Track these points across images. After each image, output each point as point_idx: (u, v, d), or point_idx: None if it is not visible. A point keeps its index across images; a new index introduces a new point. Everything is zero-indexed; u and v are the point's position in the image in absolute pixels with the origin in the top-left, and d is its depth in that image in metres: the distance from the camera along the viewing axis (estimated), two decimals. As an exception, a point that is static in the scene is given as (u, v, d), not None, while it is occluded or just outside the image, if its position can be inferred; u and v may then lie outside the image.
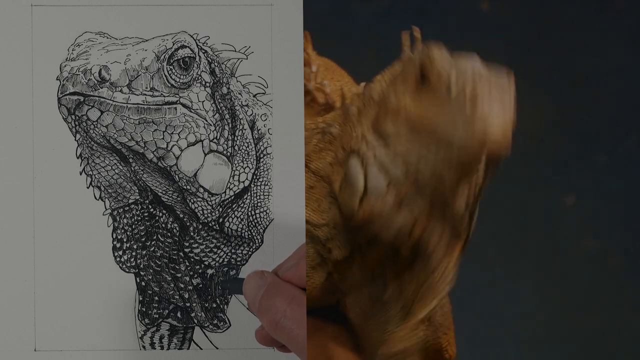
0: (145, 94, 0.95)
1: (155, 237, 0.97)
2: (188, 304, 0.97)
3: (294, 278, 0.88)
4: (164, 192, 0.96)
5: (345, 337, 0.99)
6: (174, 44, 0.95)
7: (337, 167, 0.92)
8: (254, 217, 0.97)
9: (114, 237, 0.96)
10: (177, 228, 0.97)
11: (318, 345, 0.99)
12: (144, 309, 0.97)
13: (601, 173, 1.91)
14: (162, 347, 0.97)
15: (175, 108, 0.95)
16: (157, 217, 0.97)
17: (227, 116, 0.97)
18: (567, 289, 1.84)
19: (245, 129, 0.97)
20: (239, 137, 0.97)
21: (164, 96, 0.95)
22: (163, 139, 0.95)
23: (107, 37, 0.95)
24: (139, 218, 0.97)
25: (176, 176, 0.96)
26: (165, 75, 0.95)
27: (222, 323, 0.97)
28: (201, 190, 0.96)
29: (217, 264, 0.97)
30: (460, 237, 0.89)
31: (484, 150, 0.80)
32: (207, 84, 0.96)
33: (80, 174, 0.95)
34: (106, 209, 0.96)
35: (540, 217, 1.89)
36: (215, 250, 0.97)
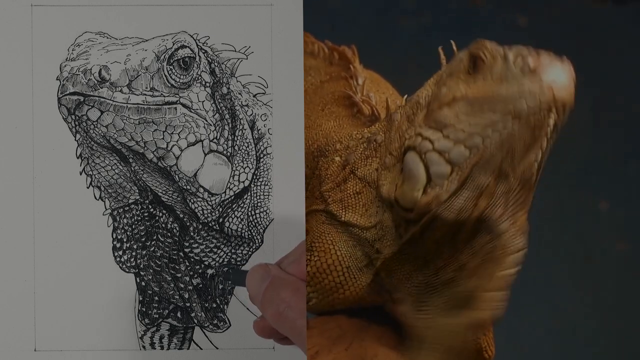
0: (145, 94, 0.95)
1: (155, 237, 0.97)
2: (188, 304, 0.97)
3: (297, 273, 0.89)
4: (164, 192, 0.96)
5: (389, 337, 1.00)
6: (174, 44, 0.95)
7: (384, 172, 0.94)
8: (254, 217, 0.97)
9: (114, 237, 0.96)
10: (177, 228, 0.97)
11: (363, 344, 0.99)
12: (144, 309, 0.97)
13: (634, 180, 1.93)
14: (162, 347, 0.97)
15: (175, 108, 0.95)
16: (157, 217, 0.97)
17: (227, 116, 0.97)
18: (600, 290, 1.86)
19: (245, 129, 0.97)
20: (239, 137, 0.97)
21: (164, 96, 0.95)
22: (163, 139, 0.95)
23: (107, 37, 0.96)
24: (139, 218, 0.97)
25: (176, 176, 0.96)
26: (165, 75, 0.95)
27: (222, 323, 0.96)
28: (201, 190, 0.96)
29: (217, 264, 0.97)
30: (526, 201, 0.91)
31: (553, 107, 0.84)
32: (207, 84, 0.96)
33: (80, 174, 0.95)
34: (106, 209, 0.96)
35: (574, 222, 1.91)
36: (215, 250, 0.97)
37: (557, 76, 0.83)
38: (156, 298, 0.97)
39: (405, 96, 1.03)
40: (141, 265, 0.96)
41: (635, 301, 1.86)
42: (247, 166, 0.97)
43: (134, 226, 0.96)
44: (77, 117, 0.94)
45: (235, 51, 0.97)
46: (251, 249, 0.97)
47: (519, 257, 0.93)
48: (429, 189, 0.89)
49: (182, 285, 0.97)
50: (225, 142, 0.96)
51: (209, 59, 0.97)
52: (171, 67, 0.95)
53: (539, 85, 0.83)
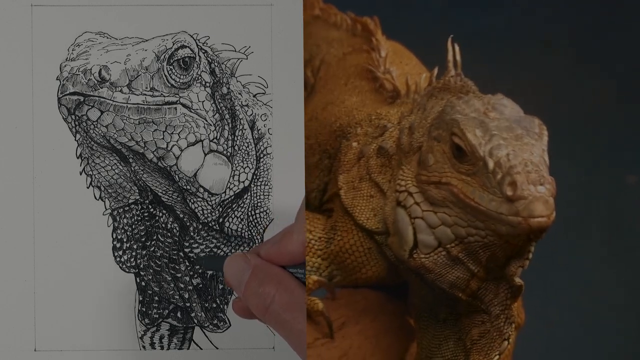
0: (145, 94, 0.94)
1: (155, 237, 0.97)
2: (188, 304, 0.97)
3: (276, 257, 0.87)
4: (164, 192, 0.96)
5: None
6: (174, 44, 0.95)
7: (392, 194, 0.92)
8: (254, 217, 0.97)
9: (114, 237, 0.96)
10: (177, 228, 0.97)
11: (389, 316, 1.00)
12: (144, 309, 0.97)
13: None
14: (162, 347, 0.97)
15: (175, 108, 0.95)
16: (157, 217, 0.97)
17: (227, 116, 0.97)
18: (629, 265, 1.86)
19: (245, 129, 0.97)
20: (239, 137, 0.97)
21: (164, 96, 0.95)
22: (163, 139, 0.95)
23: (107, 37, 0.95)
24: (139, 218, 0.97)
25: (176, 176, 0.96)
26: (165, 75, 0.95)
27: (222, 323, 0.97)
28: (201, 190, 0.96)
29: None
30: (515, 296, 0.91)
31: (531, 231, 0.82)
32: (207, 84, 0.96)
33: (80, 174, 0.95)
34: (106, 209, 0.96)
35: (603, 196, 1.90)
36: (215, 250, 0.97)
37: (535, 210, 0.81)
38: (156, 298, 0.97)
39: (425, 74, 1.02)
40: (141, 265, 0.96)
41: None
42: (247, 166, 0.97)
43: (134, 226, 0.96)
44: (77, 117, 0.94)
45: (235, 51, 0.96)
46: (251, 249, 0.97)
47: (504, 347, 0.93)
48: (416, 253, 0.89)
49: (182, 285, 0.97)
50: (225, 142, 0.96)
51: (209, 59, 0.96)
52: (171, 67, 0.95)
53: (517, 220, 0.81)
